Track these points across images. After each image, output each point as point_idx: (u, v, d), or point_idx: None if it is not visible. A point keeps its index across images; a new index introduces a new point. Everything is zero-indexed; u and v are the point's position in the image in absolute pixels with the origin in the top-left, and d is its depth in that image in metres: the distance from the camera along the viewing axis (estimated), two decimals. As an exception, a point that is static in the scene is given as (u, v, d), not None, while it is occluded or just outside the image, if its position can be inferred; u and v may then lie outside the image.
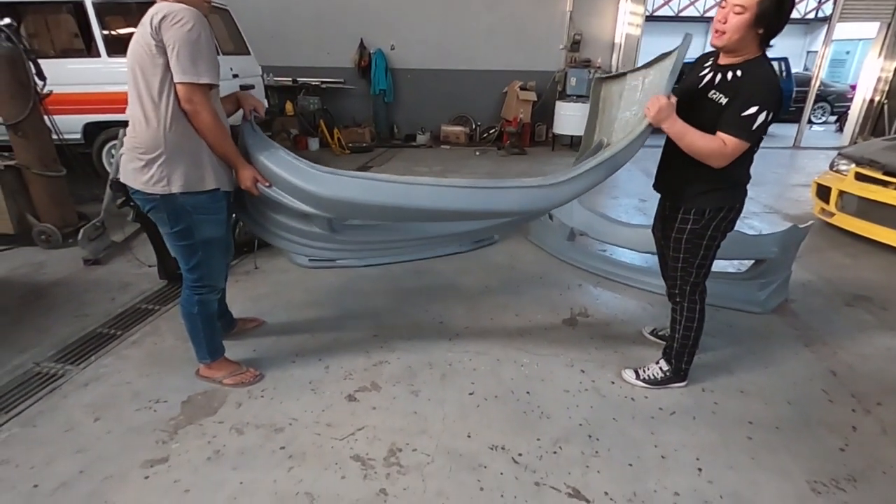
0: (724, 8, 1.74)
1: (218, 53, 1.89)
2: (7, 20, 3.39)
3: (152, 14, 1.71)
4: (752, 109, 1.72)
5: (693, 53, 1.96)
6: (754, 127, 1.73)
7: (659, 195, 2.21)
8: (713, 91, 1.84)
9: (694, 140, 1.81)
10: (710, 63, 1.93)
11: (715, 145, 1.78)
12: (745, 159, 1.89)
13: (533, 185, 2.12)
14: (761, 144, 1.91)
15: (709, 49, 1.97)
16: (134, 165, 1.84)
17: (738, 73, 1.79)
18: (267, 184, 1.96)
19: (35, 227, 3.68)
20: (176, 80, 1.73)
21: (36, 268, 3.45)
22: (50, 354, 2.47)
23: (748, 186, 2.00)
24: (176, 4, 1.74)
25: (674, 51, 1.90)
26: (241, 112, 2.12)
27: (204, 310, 2.11)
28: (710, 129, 1.81)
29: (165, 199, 1.85)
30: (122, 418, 2.06)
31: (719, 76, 1.84)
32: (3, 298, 3.03)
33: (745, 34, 1.72)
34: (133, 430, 2.00)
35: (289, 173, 1.95)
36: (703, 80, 1.91)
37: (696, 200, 1.96)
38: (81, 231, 3.41)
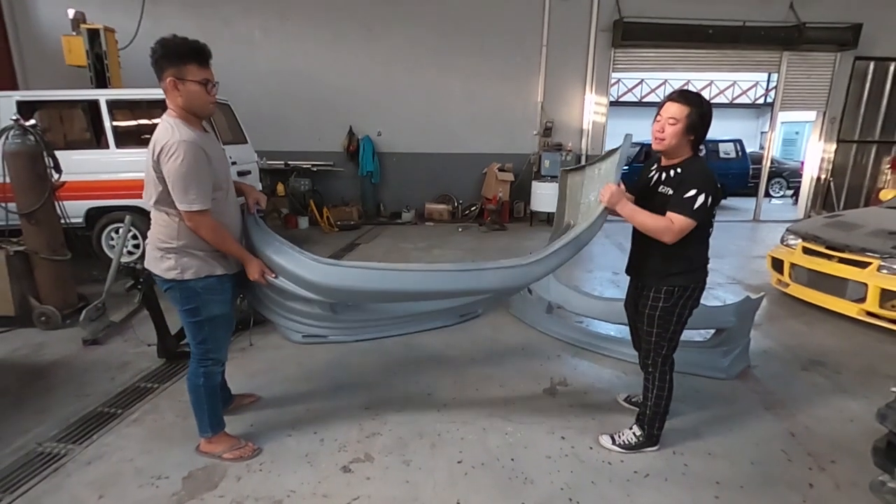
0: (659, 121, 2.18)
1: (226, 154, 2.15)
2: (33, 121, 3.75)
3: (154, 142, 1.97)
4: (692, 192, 2.09)
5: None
6: (695, 206, 2.08)
7: (630, 277, 2.52)
8: (662, 186, 2.23)
9: (644, 219, 2.18)
10: (655, 166, 2.33)
11: (663, 223, 2.14)
12: (701, 243, 2.24)
13: (509, 265, 2.43)
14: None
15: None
16: (155, 255, 2.12)
17: (679, 170, 2.18)
18: (273, 275, 2.22)
19: (36, 309, 3.82)
20: (177, 206, 2.01)
21: (35, 349, 3.55)
22: (52, 434, 2.56)
23: (709, 266, 2.33)
24: (175, 133, 1.94)
25: (618, 148, 2.33)
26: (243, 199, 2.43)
27: (208, 382, 2.29)
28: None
29: (180, 283, 2.11)
30: (126, 495, 2.15)
31: (664, 174, 2.24)
32: (3, 379, 3.11)
33: (679, 140, 2.15)
34: (136, 507, 2.08)
35: (293, 266, 2.24)
36: (651, 179, 2.31)
37: (664, 280, 2.26)
38: (84, 312, 3.56)
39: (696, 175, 2.12)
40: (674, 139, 2.13)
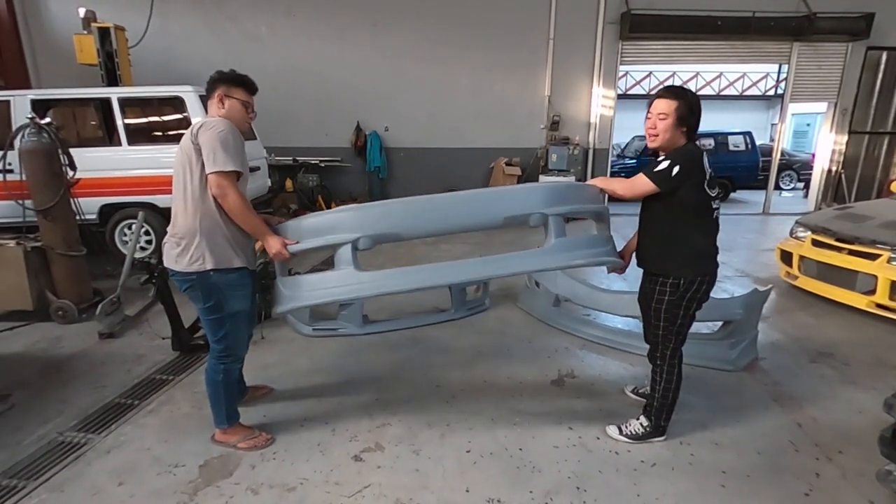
0: (650, 118, 2.22)
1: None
2: (48, 119, 3.82)
3: (194, 123, 2.14)
4: (661, 158, 2.17)
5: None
6: (656, 169, 2.15)
7: (642, 270, 2.54)
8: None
9: (613, 182, 2.37)
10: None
11: (623, 180, 2.31)
12: (696, 229, 2.24)
13: (528, 186, 2.60)
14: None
15: None
16: (176, 251, 2.16)
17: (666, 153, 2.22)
18: (294, 242, 2.26)
19: (53, 304, 3.90)
20: (207, 171, 2.08)
21: (53, 342, 3.64)
22: (72, 424, 2.64)
23: (719, 257, 2.33)
24: (217, 117, 2.16)
25: None
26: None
27: (227, 377, 2.35)
28: (657, 209, 2.26)
29: (201, 278, 2.15)
30: (144, 482, 2.21)
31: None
32: (23, 372, 3.20)
33: (672, 133, 2.19)
34: (155, 494, 2.15)
35: (318, 217, 2.35)
36: None
37: (672, 272, 2.27)
38: (99, 306, 3.64)
39: (674, 151, 2.18)
40: (666, 133, 2.18)
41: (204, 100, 2.85)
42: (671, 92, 2.20)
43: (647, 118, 2.23)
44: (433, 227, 2.43)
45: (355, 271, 2.25)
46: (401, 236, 2.36)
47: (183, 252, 2.14)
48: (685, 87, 2.26)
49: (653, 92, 19.43)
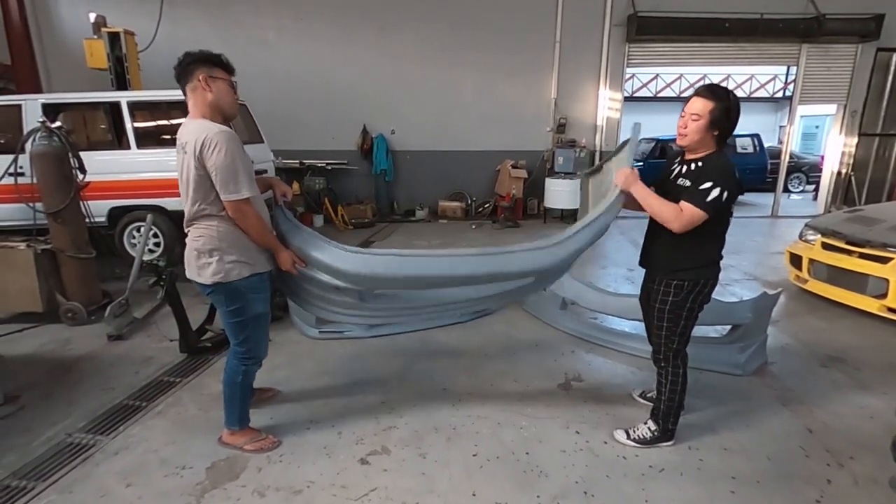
0: (683, 117, 2.17)
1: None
2: (59, 123, 3.86)
3: (193, 140, 2.00)
4: (707, 185, 2.08)
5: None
6: (708, 199, 2.07)
7: (644, 270, 2.52)
8: (681, 178, 2.23)
9: (654, 203, 2.20)
10: (678, 160, 2.33)
11: (672, 209, 2.15)
12: (715, 239, 2.23)
13: (534, 247, 2.49)
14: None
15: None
16: (198, 263, 2.17)
17: (700, 163, 2.18)
18: (303, 264, 2.30)
19: (63, 306, 3.93)
20: (223, 198, 2.07)
21: (62, 344, 3.67)
22: (81, 426, 2.65)
23: (722, 262, 2.31)
24: (211, 127, 2.03)
25: (628, 140, 2.43)
26: (270, 192, 2.50)
27: (246, 379, 2.38)
28: None
29: (225, 285, 2.17)
30: (152, 484, 2.22)
31: (685, 168, 2.24)
32: (32, 374, 3.22)
33: (703, 136, 2.14)
34: (162, 495, 2.15)
35: (322, 255, 2.31)
36: (673, 172, 2.30)
37: (677, 275, 2.26)
38: (108, 308, 3.66)
39: (714, 169, 2.11)
40: (696, 135, 2.12)
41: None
42: (710, 91, 2.11)
43: (681, 116, 2.17)
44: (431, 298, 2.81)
45: (359, 302, 2.41)
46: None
47: (205, 266, 2.15)
48: (728, 88, 2.14)
49: (660, 94, 19.26)
